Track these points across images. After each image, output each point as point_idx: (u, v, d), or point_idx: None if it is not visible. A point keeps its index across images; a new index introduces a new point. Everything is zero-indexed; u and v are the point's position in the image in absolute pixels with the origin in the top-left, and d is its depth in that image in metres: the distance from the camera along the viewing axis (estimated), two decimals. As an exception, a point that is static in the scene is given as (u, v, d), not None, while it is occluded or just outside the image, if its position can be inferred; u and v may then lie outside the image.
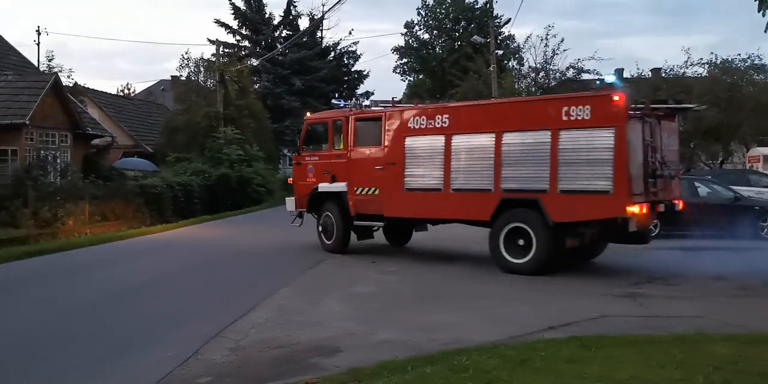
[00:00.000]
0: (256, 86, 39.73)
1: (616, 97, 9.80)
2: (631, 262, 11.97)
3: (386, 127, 12.39)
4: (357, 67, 49.26)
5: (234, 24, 44.70)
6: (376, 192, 12.57)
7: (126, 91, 54.09)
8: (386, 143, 12.38)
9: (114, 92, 46.51)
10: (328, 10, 46.16)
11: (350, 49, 48.66)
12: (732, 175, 20.30)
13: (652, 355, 5.60)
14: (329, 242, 13.52)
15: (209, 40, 42.32)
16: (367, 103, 14.53)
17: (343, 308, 8.29)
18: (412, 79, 54.74)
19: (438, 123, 11.70)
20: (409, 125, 12.07)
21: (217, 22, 44.45)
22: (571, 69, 31.39)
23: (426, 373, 5.31)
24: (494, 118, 11.24)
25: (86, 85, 35.25)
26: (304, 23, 46.47)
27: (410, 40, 52.05)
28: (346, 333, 7.04)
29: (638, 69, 49.51)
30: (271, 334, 7.02)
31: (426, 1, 51.04)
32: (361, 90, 49.48)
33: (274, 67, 42.07)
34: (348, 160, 13.09)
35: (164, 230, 18.91)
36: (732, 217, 14.68)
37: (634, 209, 9.65)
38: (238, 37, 45.05)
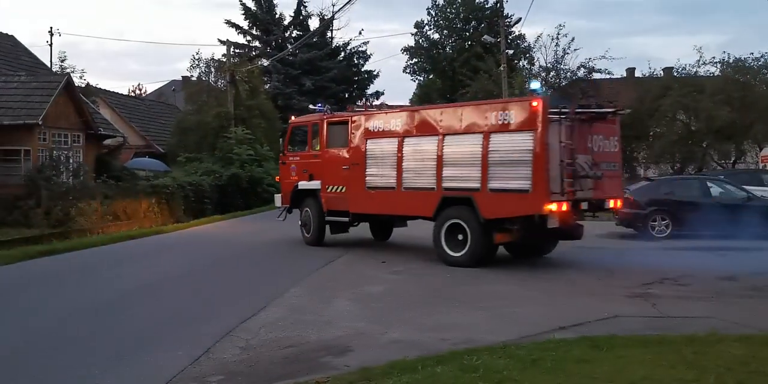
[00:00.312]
0: (267, 86, 39.89)
1: (534, 103, 10.50)
2: (642, 262, 11.92)
3: (352, 131, 13.52)
4: (367, 67, 49.42)
5: (245, 24, 44.97)
6: (343, 190, 13.75)
7: (137, 92, 54.36)
8: (352, 145, 13.52)
9: (125, 93, 46.81)
10: (338, 10, 46.31)
11: (360, 49, 48.79)
12: (745, 174, 20.16)
13: (664, 355, 5.58)
14: (308, 235, 14.73)
15: (220, 41, 42.60)
16: (323, 107, 15.90)
17: (353, 308, 8.31)
18: (422, 79, 54.70)
19: (393, 126, 12.78)
20: (369, 128, 13.16)
21: (228, 22, 44.72)
22: (582, 68, 31.28)
23: (436, 373, 5.31)
24: (438, 122, 12.07)
25: (98, 86, 35.50)
26: (314, 23, 46.65)
27: (420, 40, 51.97)
28: (356, 332, 7.06)
29: (650, 68, 49.27)
30: (282, 334, 7.05)
31: (436, 1, 50.95)
32: (371, 90, 49.62)
33: (285, 67, 42.23)
34: (322, 160, 14.27)
35: (175, 230, 19.00)
36: (744, 217, 14.57)
37: (552, 207, 10.37)
38: (248, 38, 45.31)
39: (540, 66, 33.18)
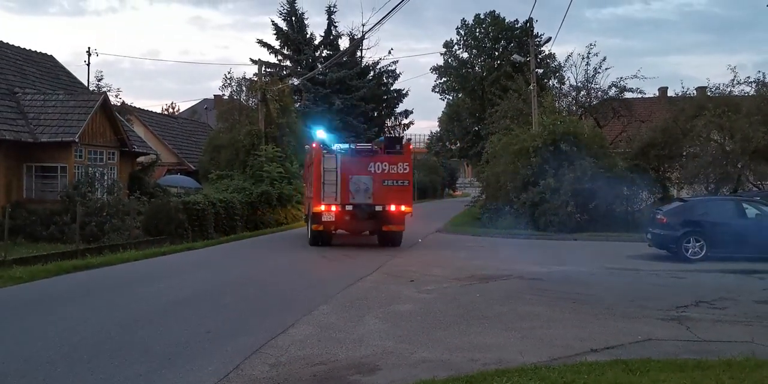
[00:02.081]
0: (297, 105, 40.27)
1: (313, 145, 18.53)
2: (676, 285, 11.71)
3: (306, 162, 21.89)
4: (396, 86, 49.72)
5: (276, 44, 45.64)
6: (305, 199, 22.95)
7: (171, 110, 55.47)
8: (307, 172, 21.50)
9: (159, 111, 47.73)
10: (368, 30, 46.62)
11: (390, 68, 49.13)
12: (782, 196, 19.68)
13: (701, 380, 5.46)
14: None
15: (252, 60, 43.29)
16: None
17: (382, 326, 8.29)
18: (451, 98, 54.84)
19: (308, 161, 20.55)
20: (307, 162, 21.25)
21: (260, 42, 45.48)
22: (613, 87, 31.05)
23: (466, 394, 5.27)
24: (309, 157, 20.14)
25: (133, 104, 36.29)
26: (344, 43, 47.18)
27: (450, 60, 52.20)
28: (385, 351, 7.03)
29: (683, 87, 48.67)
30: (311, 351, 7.05)
31: (465, 21, 51.27)
32: (400, 109, 49.85)
33: (315, 86, 42.69)
34: (304, 180, 23.33)
35: (206, 246, 19.20)
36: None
37: (321, 208, 17.48)
38: (280, 57, 45.94)
39: (570, 85, 33.11)
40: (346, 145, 18.48)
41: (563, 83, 34.74)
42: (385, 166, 17.59)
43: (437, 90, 54.82)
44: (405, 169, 17.73)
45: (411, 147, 19.43)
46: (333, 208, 17.35)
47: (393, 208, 17.43)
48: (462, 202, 44.52)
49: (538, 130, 25.55)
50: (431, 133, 63.05)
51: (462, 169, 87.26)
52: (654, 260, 15.43)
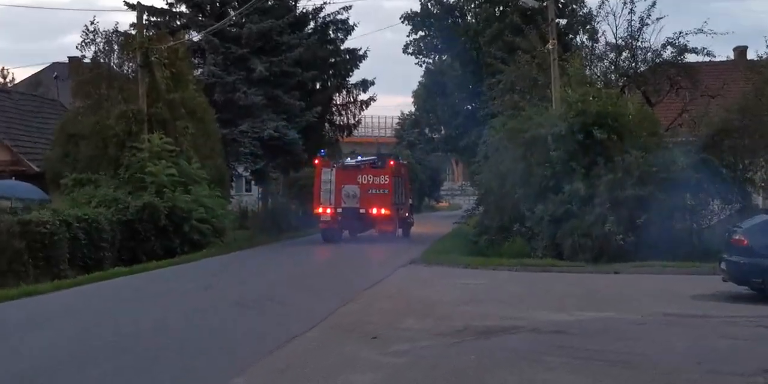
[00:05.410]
0: (198, 72, 40.05)
1: (315, 161, 35.04)
2: (763, 338, 11.87)
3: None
4: (349, 44, 49.42)
5: (165, -20, 45.31)
6: None
7: (1, 80, 54.63)
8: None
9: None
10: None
11: (339, 16, 48.91)
12: None
13: None
14: None
15: (126, 4, 42.66)
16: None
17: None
18: (431, 61, 55.04)
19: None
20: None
21: (141, -23, 45.09)
22: (669, 47, 31.44)
23: None
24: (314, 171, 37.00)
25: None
26: (268, -21, 47.05)
27: (429, 5, 52.46)
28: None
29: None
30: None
31: (452, -53, 51.61)
32: (355, 78, 49.38)
33: (225, 43, 42.37)
34: None
35: (56, 289, 18.84)
36: None
37: (319, 210, 33.22)
38: (171, 0, 45.55)
39: (607, 43, 33.38)
40: (341, 161, 33.98)
41: (596, 40, 35.17)
42: (370, 177, 32.32)
43: (411, 50, 55.10)
44: (385, 180, 32.30)
45: (392, 162, 33.70)
46: (328, 210, 31.94)
47: (374, 211, 31.45)
48: (449, 216, 44.77)
49: (560, 109, 25.84)
50: (402, 114, 63.56)
51: (449, 168, 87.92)
52: (730, 302, 15.66)
